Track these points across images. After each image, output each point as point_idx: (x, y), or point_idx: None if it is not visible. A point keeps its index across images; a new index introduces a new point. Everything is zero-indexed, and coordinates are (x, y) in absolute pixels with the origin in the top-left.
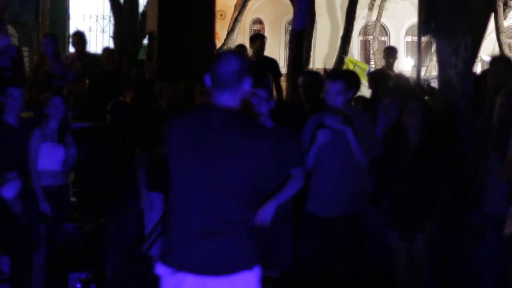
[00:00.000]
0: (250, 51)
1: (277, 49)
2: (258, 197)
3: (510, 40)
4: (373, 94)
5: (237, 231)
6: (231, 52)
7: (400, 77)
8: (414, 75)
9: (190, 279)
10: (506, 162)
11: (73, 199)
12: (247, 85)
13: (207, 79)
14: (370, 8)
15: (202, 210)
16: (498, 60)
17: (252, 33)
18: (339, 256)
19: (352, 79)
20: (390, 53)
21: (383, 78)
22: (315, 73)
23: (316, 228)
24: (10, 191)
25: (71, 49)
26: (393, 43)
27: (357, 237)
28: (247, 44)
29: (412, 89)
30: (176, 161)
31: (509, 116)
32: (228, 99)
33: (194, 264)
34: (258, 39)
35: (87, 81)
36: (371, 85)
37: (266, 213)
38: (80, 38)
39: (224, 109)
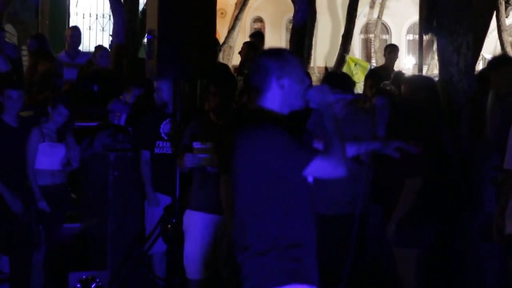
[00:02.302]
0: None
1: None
2: (277, 207)
3: None
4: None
5: (254, 246)
6: (265, 50)
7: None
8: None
9: None
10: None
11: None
12: (278, 84)
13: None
14: (372, 6)
15: (234, 223)
16: (504, 62)
17: (252, 31)
18: (341, 254)
19: (347, 81)
20: (392, 51)
21: (384, 75)
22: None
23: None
24: None
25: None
26: (394, 41)
27: (358, 236)
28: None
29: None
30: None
31: None
32: (262, 102)
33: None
34: (257, 37)
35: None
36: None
37: None
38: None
39: (251, 111)
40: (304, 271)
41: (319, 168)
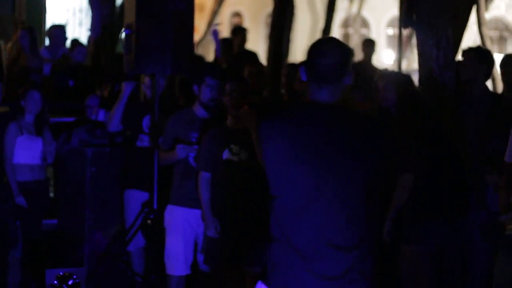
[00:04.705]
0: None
1: (256, 42)
2: (373, 209)
3: (492, 32)
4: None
5: (352, 256)
6: (330, 40)
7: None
8: (395, 68)
9: None
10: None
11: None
12: (348, 79)
13: (302, 72)
14: (351, 0)
15: (311, 229)
16: (465, 50)
17: (231, 26)
18: None
19: None
20: (369, 45)
21: (364, 71)
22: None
23: None
24: None
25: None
26: (374, 35)
27: None
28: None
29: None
30: (277, 171)
31: None
32: (329, 95)
33: (297, 283)
34: (240, 32)
35: None
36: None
37: None
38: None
39: (328, 106)
40: None
41: None
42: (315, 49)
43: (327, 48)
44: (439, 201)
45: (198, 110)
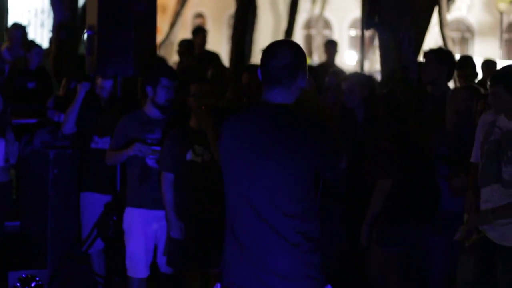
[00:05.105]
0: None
1: (219, 43)
2: (312, 206)
3: (454, 33)
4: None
5: (288, 246)
6: (283, 42)
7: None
8: (358, 69)
9: None
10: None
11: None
12: (302, 81)
13: (260, 74)
14: (313, 2)
15: (252, 223)
16: (429, 53)
17: (193, 27)
18: None
19: None
20: (331, 47)
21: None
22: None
23: None
24: None
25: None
26: (336, 36)
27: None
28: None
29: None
30: (226, 167)
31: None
32: (279, 96)
33: (244, 279)
34: (199, 32)
35: None
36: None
37: None
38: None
39: (274, 105)
40: None
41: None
42: (267, 51)
43: (277, 50)
44: (412, 203)
45: (151, 111)
